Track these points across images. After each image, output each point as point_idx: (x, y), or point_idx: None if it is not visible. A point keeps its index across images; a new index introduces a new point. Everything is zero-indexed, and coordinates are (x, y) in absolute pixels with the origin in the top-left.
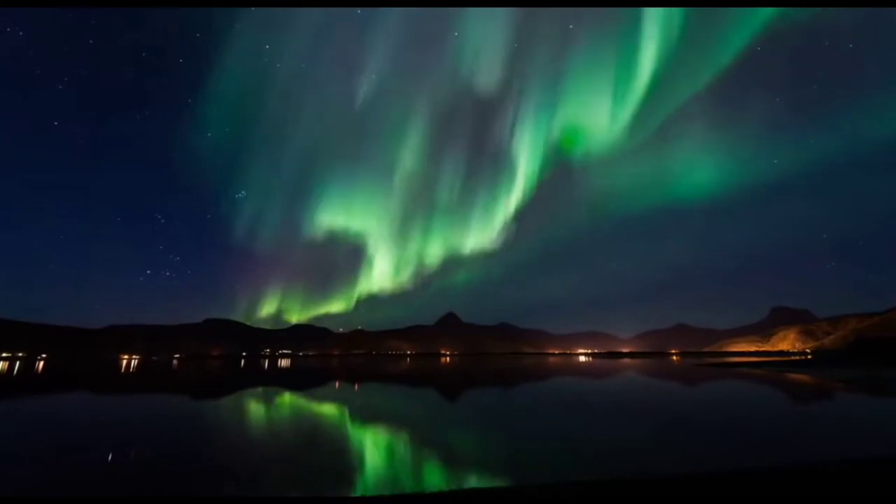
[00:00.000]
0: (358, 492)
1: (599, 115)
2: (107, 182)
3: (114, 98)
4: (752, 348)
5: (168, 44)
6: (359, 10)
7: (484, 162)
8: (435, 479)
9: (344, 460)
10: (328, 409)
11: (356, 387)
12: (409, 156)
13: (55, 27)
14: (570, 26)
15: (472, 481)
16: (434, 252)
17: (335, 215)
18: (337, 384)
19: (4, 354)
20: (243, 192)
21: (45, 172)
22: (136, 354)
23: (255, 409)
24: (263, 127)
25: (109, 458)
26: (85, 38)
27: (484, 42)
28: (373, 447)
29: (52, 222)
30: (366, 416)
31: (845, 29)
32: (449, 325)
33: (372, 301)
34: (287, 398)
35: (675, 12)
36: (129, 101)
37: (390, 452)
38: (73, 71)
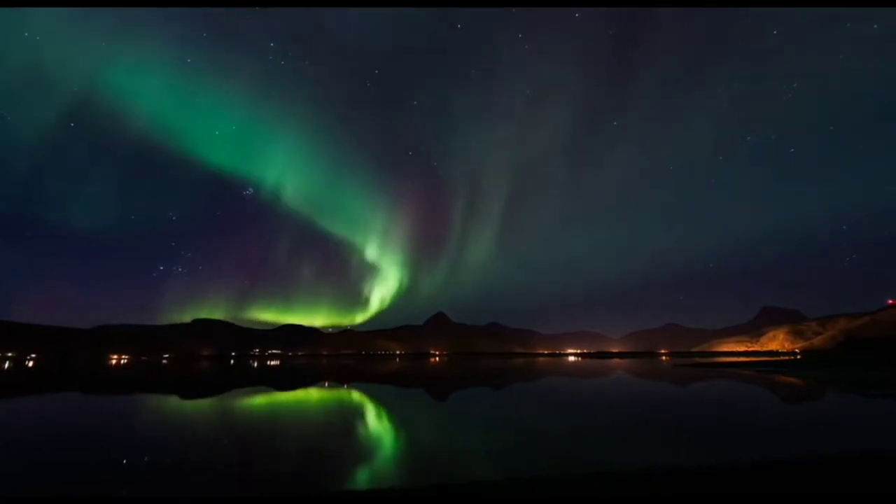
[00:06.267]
0: (354, 487)
1: None
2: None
3: (122, 98)
4: (742, 348)
5: (174, 44)
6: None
7: None
8: (426, 475)
9: (338, 457)
10: (320, 408)
11: (345, 386)
12: None
13: (66, 29)
14: None
15: (462, 477)
16: None
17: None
18: (326, 384)
19: None
20: (251, 189)
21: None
22: (126, 355)
23: (246, 408)
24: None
25: (100, 458)
26: (95, 40)
27: None
28: (366, 444)
29: (51, 224)
30: (356, 415)
31: None
32: (439, 325)
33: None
34: (276, 397)
35: None
36: (139, 101)
37: (383, 449)
38: (86, 73)
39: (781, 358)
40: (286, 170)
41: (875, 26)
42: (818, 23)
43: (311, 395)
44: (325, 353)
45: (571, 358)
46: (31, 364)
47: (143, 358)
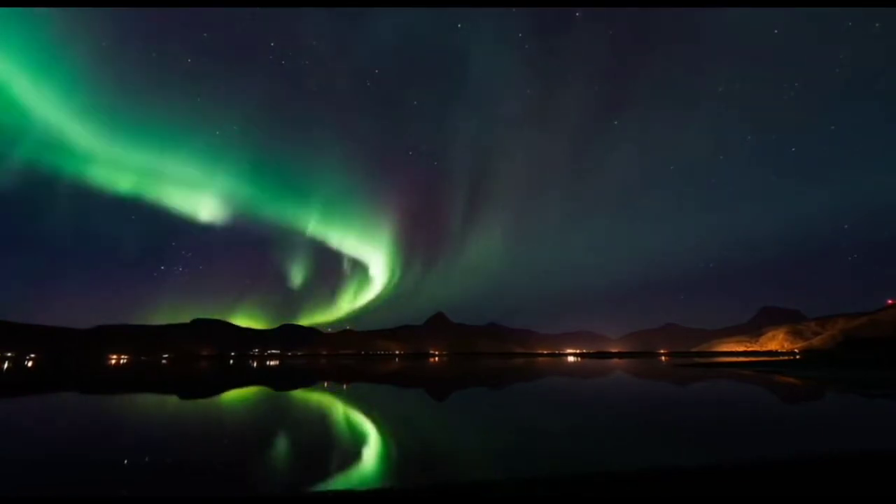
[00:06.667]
0: (354, 487)
1: None
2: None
3: (123, 97)
4: (741, 348)
5: (174, 44)
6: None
7: None
8: (426, 475)
9: (338, 457)
10: (319, 408)
11: (344, 386)
12: None
13: (66, 30)
14: None
15: (462, 477)
16: None
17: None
18: (325, 384)
19: None
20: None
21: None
22: (125, 355)
23: (245, 408)
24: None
25: (100, 458)
26: (97, 41)
27: None
28: (366, 444)
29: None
30: (356, 415)
31: None
32: (438, 325)
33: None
34: (275, 397)
35: None
36: (139, 101)
37: (383, 449)
38: (87, 73)
39: (781, 358)
40: (286, 169)
41: (877, 25)
42: (818, 23)
43: (311, 395)
44: (324, 353)
45: (571, 358)
46: (30, 364)
47: (142, 358)
